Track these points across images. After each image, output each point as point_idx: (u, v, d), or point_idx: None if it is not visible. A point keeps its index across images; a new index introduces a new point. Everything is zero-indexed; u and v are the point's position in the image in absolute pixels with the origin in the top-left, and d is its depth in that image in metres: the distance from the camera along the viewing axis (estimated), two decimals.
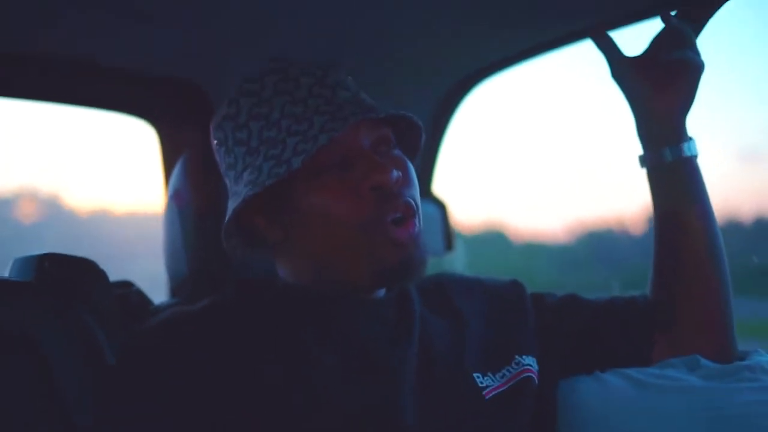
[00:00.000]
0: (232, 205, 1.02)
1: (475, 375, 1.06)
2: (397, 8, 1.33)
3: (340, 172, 0.98)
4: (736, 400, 1.06)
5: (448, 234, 1.88)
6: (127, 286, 1.34)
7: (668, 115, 1.18)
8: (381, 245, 0.97)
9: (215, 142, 1.06)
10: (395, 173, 0.97)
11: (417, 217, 1.00)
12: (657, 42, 1.21)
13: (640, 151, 1.22)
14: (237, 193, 1.02)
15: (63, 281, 1.11)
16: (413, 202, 1.00)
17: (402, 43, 1.52)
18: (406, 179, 1.00)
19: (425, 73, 1.67)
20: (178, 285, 1.37)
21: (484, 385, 1.05)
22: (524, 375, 1.09)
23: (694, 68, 1.18)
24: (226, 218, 1.02)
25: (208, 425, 0.93)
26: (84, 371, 1.03)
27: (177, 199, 1.30)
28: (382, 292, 1.07)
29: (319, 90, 1.01)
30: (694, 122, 1.20)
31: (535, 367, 1.11)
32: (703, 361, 1.12)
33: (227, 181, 1.07)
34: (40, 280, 1.10)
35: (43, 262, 1.12)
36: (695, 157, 1.19)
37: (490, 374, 1.07)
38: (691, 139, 1.19)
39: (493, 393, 1.05)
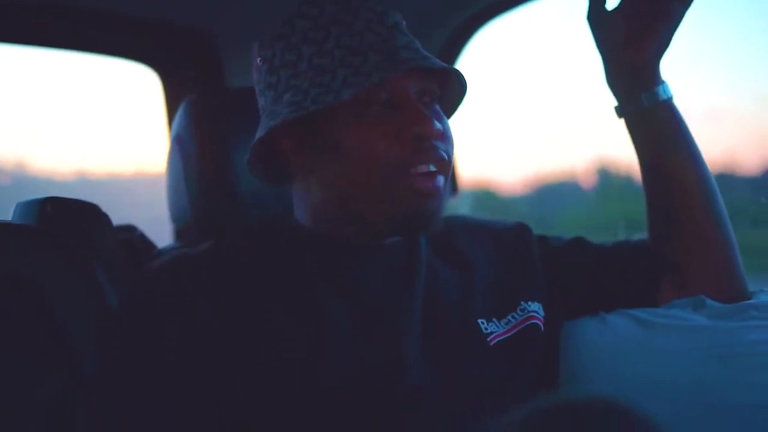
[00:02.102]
0: (266, 122, 1.01)
1: (479, 321, 1.05)
2: None
3: (384, 113, 0.98)
4: (743, 339, 1.05)
5: (453, 178, 1.87)
6: (130, 230, 1.35)
7: (643, 62, 1.14)
8: (406, 192, 0.97)
9: (259, 59, 1.05)
10: (438, 125, 0.98)
11: (447, 173, 1.01)
12: None
13: (614, 101, 1.19)
14: (274, 113, 1.00)
15: (66, 225, 1.11)
16: (447, 157, 1.00)
17: None
18: (445, 134, 1.00)
19: (429, 14, 1.65)
20: (182, 229, 1.37)
21: (489, 331, 1.05)
22: (530, 322, 1.08)
23: (675, 16, 1.13)
24: (260, 133, 1.02)
25: (208, 369, 0.93)
26: (87, 315, 1.03)
27: (179, 144, 1.29)
28: (392, 237, 1.06)
29: (378, 28, 1.00)
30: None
31: (541, 313, 1.11)
32: (709, 301, 1.11)
33: (261, 99, 1.06)
34: (43, 224, 1.10)
35: (46, 206, 1.12)
36: (671, 99, 1.16)
37: (495, 320, 1.06)
38: (664, 81, 1.16)
39: (498, 339, 1.05)
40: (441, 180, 0.99)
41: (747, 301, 1.11)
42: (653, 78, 1.15)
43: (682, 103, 1.16)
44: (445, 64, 1.01)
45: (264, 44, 1.05)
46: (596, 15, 1.17)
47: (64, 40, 1.72)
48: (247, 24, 1.61)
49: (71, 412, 0.97)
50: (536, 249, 1.18)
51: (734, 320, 1.07)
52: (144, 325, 0.95)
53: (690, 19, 1.14)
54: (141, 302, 0.98)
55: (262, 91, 1.05)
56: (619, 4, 1.16)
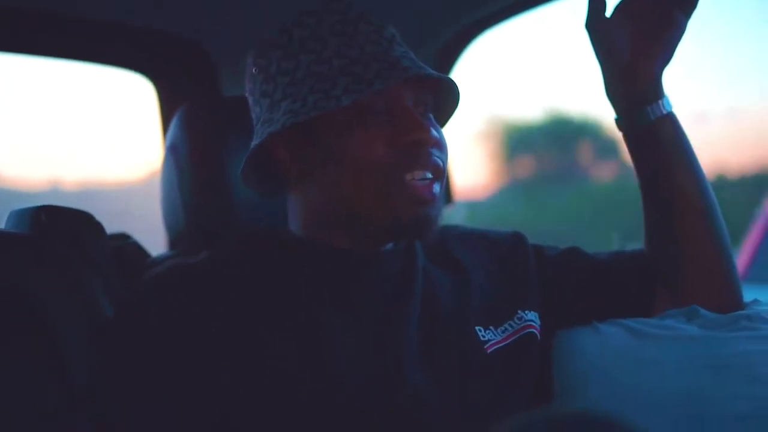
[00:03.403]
0: (263, 130, 1.02)
1: (477, 329, 1.06)
2: None
3: (382, 121, 0.99)
4: (735, 349, 1.05)
5: (448, 187, 1.87)
6: (123, 238, 1.34)
7: (649, 74, 1.12)
8: (403, 199, 0.98)
9: (254, 68, 1.06)
10: (434, 133, 0.99)
11: (442, 180, 1.02)
12: None
13: (614, 114, 1.17)
14: (271, 121, 1.01)
15: (59, 234, 1.10)
16: (442, 164, 1.01)
17: None
18: (440, 141, 1.01)
19: (421, 26, 1.66)
20: (175, 238, 1.37)
21: (486, 339, 1.05)
22: (527, 331, 1.08)
23: (679, 26, 1.12)
24: (255, 141, 1.02)
25: (204, 381, 0.93)
26: (81, 325, 1.03)
27: (174, 152, 1.29)
28: (389, 245, 1.06)
29: (377, 39, 1.01)
30: None
31: (537, 322, 1.11)
32: (702, 311, 1.11)
33: (256, 108, 1.06)
34: (36, 232, 1.10)
35: (40, 215, 1.12)
36: (673, 112, 1.14)
37: (491, 328, 1.07)
38: (665, 94, 1.14)
39: (495, 347, 1.05)
40: (437, 187, 1.00)
41: (740, 312, 1.11)
42: (658, 91, 1.13)
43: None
44: (441, 75, 1.02)
45: (260, 53, 1.05)
46: (596, 23, 1.15)
47: (58, 48, 1.72)
48: (242, 33, 1.62)
49: (69, 422, 0.96)
50: (531, 258, 1.18)
51: (727, 330, 1.08)
52: (139, 336, 0.95)
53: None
54: (136, 313, 0.97)
55: (257, 100, 1.05)
56: (618, 9, 1.14)
